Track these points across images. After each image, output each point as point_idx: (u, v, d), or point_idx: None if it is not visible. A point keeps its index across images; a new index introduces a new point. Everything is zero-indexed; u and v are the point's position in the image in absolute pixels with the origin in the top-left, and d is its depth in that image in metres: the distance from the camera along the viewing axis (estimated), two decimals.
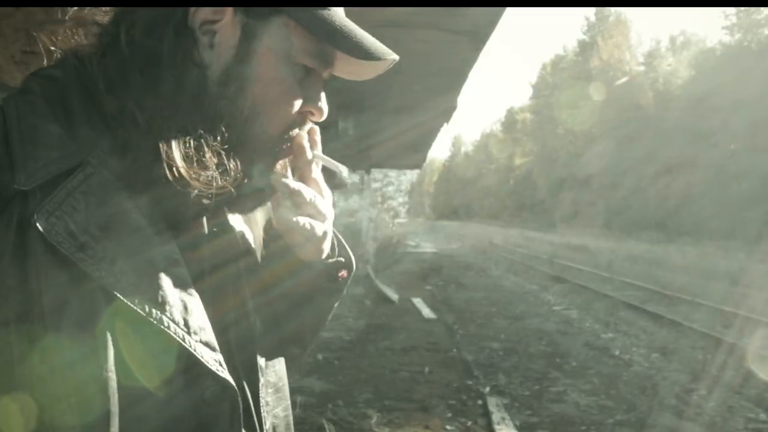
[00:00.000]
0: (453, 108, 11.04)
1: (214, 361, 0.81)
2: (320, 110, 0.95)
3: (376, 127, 13.03)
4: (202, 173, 0.83)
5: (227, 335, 0.92)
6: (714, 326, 10.65)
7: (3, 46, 2.71)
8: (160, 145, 0.81)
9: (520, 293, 16.30)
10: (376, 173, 25.58)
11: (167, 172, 0.81)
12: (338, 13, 0.92)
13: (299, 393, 6.50)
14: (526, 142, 73.66)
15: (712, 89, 35.01)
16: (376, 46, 0.93)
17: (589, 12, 59.02)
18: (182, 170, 0.81)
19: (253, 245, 1.03)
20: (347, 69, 0.96)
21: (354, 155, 14.49)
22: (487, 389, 7.06)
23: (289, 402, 1.03)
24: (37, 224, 0.73)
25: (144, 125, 0.81)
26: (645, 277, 18.18)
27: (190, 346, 0.78)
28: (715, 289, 14.74)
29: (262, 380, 0.97)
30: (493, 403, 6.51)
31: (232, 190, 0.90)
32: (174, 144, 0.82)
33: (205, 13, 0.85)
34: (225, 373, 0.82)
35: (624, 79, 46.85)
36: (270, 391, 0.99)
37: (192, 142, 0.83)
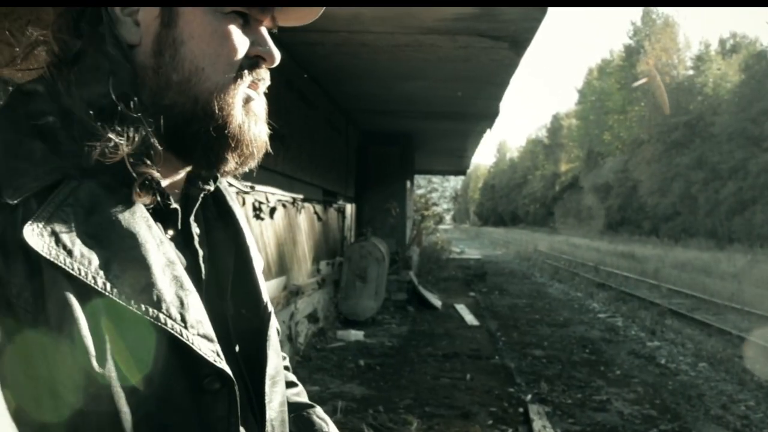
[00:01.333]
0: (495, 114, 11.01)
1: (211, 351, 0.83)
2: (269, 53, 0.92)
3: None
4: (150, 171, 0.84)
5: (226, 326, 0.95)
6: (764, 335, 10.41)
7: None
8: (113, 144, 0.81)
9: (565, 300, 16.14)
10: (420, 179, 25.57)
11: (131, 171, 0.82)
12: None
13: (340, 398, 6.53)
14: (571, 148, 72.91)
15: (763, 93, 34.24)
16: None
17: (635, 16, 58.26)
18: (138, 167, 0.83)
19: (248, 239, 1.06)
20: (285, 15, 0.93)
21: (397, 163, 14.53)
22: (529, 397, 7.00)
23: (284, 398, 1.03)
24: (26, 238, 0.74)
25: (89, 127, 0.82)
26: (693, 284, 17.87)
27: (188, 340, 0.81)
28: (766, 298, 14.40)
29: (268, 372, 0.98)
30: (534, 410, 6.45)
31: (206, 187, 0.95)
32: (123, 139, 0.82)
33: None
34: (222, 363, 0.83)
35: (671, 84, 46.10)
36: (268, 383, 0.99)
37: (137, 133, 0.83)
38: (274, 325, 1.03)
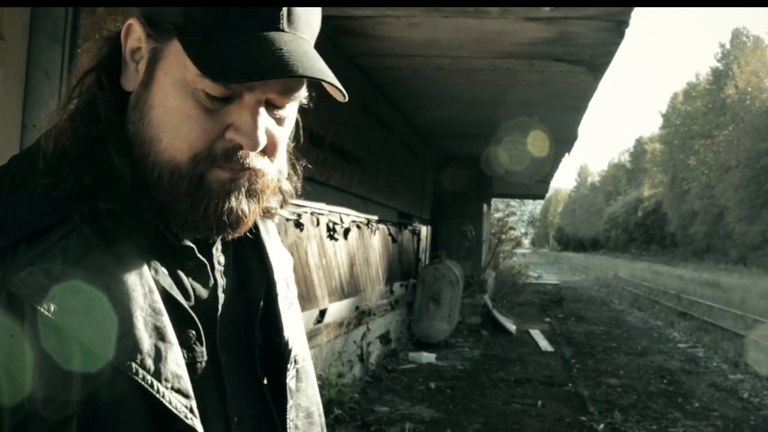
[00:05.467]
0: (573, 138, 10.92)
1: (183, 407, 0.82)
2: (247, 138, 0.84)
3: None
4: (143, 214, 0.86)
5: (252, 358, 0.97)
6: None
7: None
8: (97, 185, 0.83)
9: (644, 329, 15.74)
10: (498, 203, 25.44)
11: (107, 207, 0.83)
12: (238, 36, 0.80)
13: (408, 420, 6.56)
14: (655, 173, 71.28)
15: None
16: (262, 64, 0.79)
17: (724, 38, 56.71)
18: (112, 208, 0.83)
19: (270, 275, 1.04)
20: (275, 88, 0.84)
21: (474, 186, 14.52)
22: (602, 426, 6.87)
23: (321, 429, 1.04)
24: (8, 278, 0.77)
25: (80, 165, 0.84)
26: None
27: (158, 392, 0.80)
28: None
29: (290, 402, 0.98)
30: None
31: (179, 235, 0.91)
32: (104, 181, 0.84)
33: (131, 41, 0.87)
34: (194, 421, 0.83)
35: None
36: (301, 415, 0.99)
37: (111, 174, 0.84)
38: (299, 359, 1.02)
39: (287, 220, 5.53)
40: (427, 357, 9.82)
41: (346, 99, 0.86)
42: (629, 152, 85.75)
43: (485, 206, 16.24)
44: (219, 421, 0.90)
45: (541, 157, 12.20)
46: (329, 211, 6.67)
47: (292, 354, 1.00)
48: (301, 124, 0.99)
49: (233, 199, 0.86)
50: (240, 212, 0.87)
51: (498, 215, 22.85)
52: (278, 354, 0.99)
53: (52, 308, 0.77)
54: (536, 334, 12.91)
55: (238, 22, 0.80)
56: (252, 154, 0.85)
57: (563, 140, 11.07)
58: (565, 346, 12.10)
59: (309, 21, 0.86)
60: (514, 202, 25.17)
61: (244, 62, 0.78)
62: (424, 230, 13.13)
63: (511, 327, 13.23)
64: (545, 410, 7.39)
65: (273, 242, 1.07)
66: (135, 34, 0.86)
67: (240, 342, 0.94)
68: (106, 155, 0.85)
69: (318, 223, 6.39)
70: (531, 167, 13.72)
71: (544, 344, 11.86)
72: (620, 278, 33.04)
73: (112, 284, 0.81)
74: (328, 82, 0.81)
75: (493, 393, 8.08)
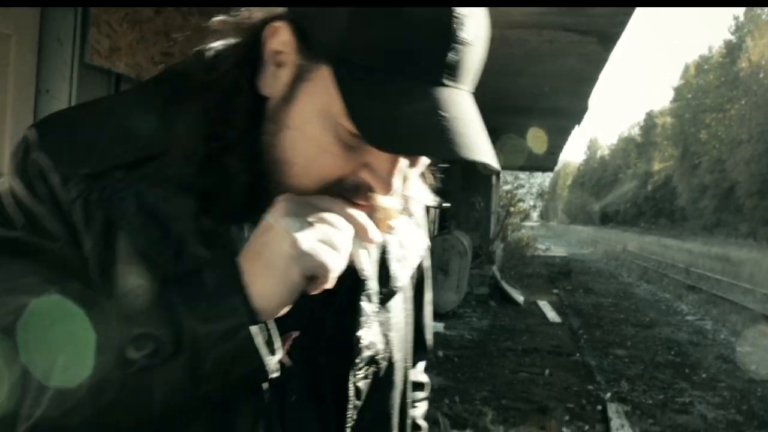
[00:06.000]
0: (584, 110, 10.86)
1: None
2: (382, 184, 0.81)
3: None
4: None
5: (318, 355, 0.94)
6: None
7: (144, 48, 2.98)
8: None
9: (652, 301, 15.79)
10: (507, 175, 25.38)
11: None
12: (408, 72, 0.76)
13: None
14: (666, 146, 70.92)
15: None
16: (434, 139, 0.74)
17: (738, 11, 55.99)
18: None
19: None
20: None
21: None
22: (608, 395, 6.94)
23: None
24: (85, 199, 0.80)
25: (195, 143, 0.84)
26: None
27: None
28: None
29: (354, 403, 0.96)
30: (613, 409, 6.40)
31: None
32: (220, 188, 0.84)
33: (274, 43, 0.82)
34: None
35: None
36: (370, 418, 0.99)
37: (229, 186, 0.84)
38: (381, 360, 1.00)
39: None
40: (436, 327, 9.89)
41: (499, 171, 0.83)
42: (640, 126, 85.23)
43: (494, 178, 16.23)
44: (274, 392, 0.88)
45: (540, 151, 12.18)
46: None
47: (364, 353, 0.97)
48: None
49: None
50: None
51: (507, 188, 22.81)
52: (350, 350, 0.96)
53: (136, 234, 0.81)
54: (544, 305, 12.97)
55: (399, 69, 0.75)
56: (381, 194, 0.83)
57: (573, 112, 11.02)
58: (573, 318, 12.16)
59: (474, 68, 0.83)
60: (523, 175, 25.09)
61: (406, 134, 0.74)
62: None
63: (519, 298, 13.28)
64: (552, 379, 7.46)
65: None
66: (281, 38, 0.82)
67: (309, 331, 0.91)
68: (233, 165, 0.83)
69: None
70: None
71: (552, 315, 11.92)
72: (629, 252, 33.05)
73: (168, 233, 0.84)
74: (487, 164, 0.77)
75: (501, 362, 8.15)
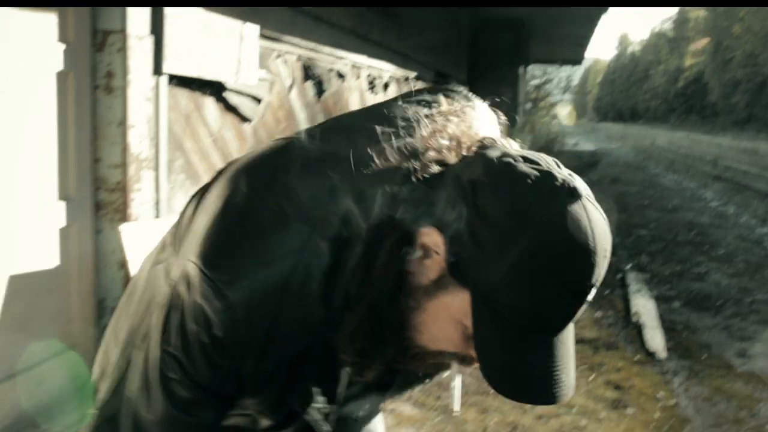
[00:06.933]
0: None
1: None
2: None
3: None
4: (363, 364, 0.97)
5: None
6: None
7: None
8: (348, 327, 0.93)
9: (677, 189, 16.00)
10: (535, 70, 25.19)
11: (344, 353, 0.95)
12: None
13: None
14: (698, 41, 68.97)
15: None
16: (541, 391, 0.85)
17: None
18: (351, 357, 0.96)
19: None
20: None
21: (510, 49, 14.49)
22: (628, 266, 7.29)
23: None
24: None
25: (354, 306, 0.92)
26: None
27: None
28: None
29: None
30: (632, 277, 6.76)
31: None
32: (357, 335, 0.93)
33: (429, 241, 0.87)
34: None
35: None
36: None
37: (367, 338, 0.92)
38: None
39: (329, 70, 5.82)
40: None
41: None
42: (672, 20, 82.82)
43: (521, 69, 16.22)
44: None
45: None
46: (369, 66, 6.93)
47: None
48: None
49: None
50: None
51: (535, 82, 22.73)
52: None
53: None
54: None
55: (534, 328, 0.84)
56: None
57: None
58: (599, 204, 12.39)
59: None
60: (552, 69, 24.89)
61: (523, 388, 0.85)
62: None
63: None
64: None
65: None
66: (434, 240, 0.87)
67: None
68: (385, 337, 0.93)
69: (359, 76, 6.66)
70: (569, 28, 13.61)
71: None
72: (658, 146, 32.89)
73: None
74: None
75: None
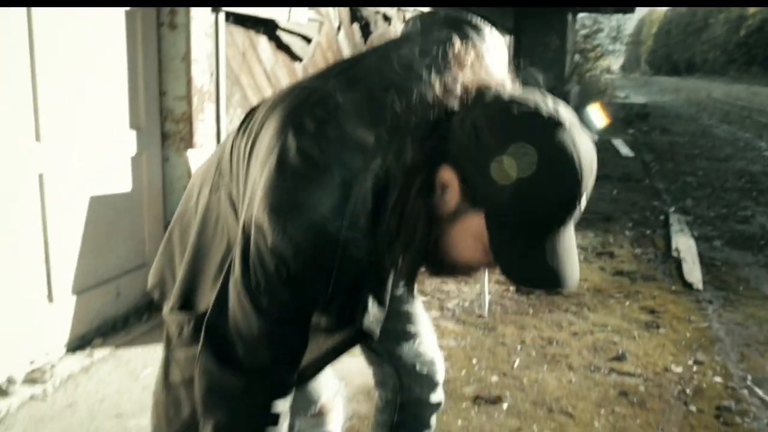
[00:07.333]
0: None
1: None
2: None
3: None
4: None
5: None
6: None
7: None
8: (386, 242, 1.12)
9: (730, 140, 15.75)
10: (586, 20, 24.79)
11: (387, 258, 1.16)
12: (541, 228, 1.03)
13: None
14: None
15: None
16: (551, 274, 1.04)
17: None
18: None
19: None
20: None
21: None
22: (672, 209, 7.37)
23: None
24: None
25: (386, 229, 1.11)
26: None
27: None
28: None
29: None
30: (675, 218, 6.86)
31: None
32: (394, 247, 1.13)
33: (445, 178, 1.05)
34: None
35: None
36: None
37: (411, 261, 1.14)
38: None
39: (375, 12, 5.99)
40: None
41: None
42: None
43: (570, 16, 16.05)
44: None
45: None
46: (414, 10, 7.05)
47: None
48: None
49: None
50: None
51: (585, 31, 22.39)
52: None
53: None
54: (618, 143, 13.20)
55: (535, 232, 1.03)
56: None
57: None
58: (647, 153, 12.38)
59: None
60: (603, 19, 24.44)
61: (536, 276, 1.05)
62: (507, 39, 13.25)
63: (591, 135, 13.47)
64: (619, 196, 7.93)
65: None
66: (450, 177, 1.05)
67: None
68: (423, 259, 1.14)
69: (404, 19, 6.80)
70: None
71: (625, 151, 12.18)
72: (713, 98, 32.12)
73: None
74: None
75: None
